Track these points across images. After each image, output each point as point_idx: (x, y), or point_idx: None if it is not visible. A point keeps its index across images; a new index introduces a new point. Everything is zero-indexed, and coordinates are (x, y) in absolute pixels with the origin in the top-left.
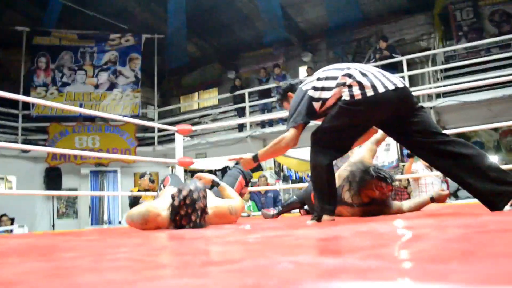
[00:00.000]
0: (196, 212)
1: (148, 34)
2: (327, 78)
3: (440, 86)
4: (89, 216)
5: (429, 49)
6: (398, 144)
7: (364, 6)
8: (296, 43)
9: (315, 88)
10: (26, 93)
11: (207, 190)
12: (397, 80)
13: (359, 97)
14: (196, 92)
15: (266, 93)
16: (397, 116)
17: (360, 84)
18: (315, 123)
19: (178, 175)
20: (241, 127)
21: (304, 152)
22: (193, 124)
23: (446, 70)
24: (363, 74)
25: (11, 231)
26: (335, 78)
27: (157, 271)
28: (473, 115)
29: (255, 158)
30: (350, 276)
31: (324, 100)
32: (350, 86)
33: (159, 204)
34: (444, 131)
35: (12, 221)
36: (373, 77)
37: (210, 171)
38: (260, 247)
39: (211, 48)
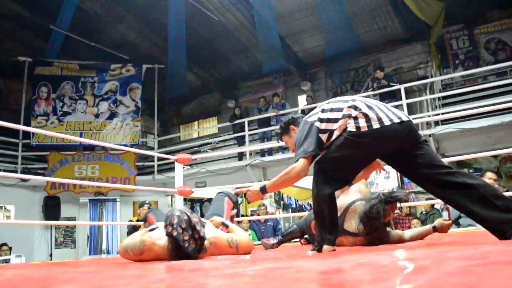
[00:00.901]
0: (196, 232)
1: (148, 64)
2: (332, 110)
3: (439, 114)
4: (88, 245)
5: (427, 77)
6: (398, 172)
7: (362, 36)
8: (295, 73)
9: (320, 120)
10: (27, 122)
11: (207, 221)
12: (401, 114)
13: (365, 129)
14: (196, 121)
15: (265, 122)
16: (402, 148)
17: (366, 116)
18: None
19: (158, 209)
20: (240, 156)
21: (304, 181)
22: (193, 153)
23: (444, 97)
24: (369, 107)
25: (8, 261)
26: (340, 109)
27: None
28: (472, 142)
29: (263, 189)
30: None
31: (331, 132)
32: (356, 118)
33: (154, 234)
34: (444, 159)
35: (11, 250)
36: (379, 110)
37: (210, 200)
38: (259, 281)
39: (211, 78)
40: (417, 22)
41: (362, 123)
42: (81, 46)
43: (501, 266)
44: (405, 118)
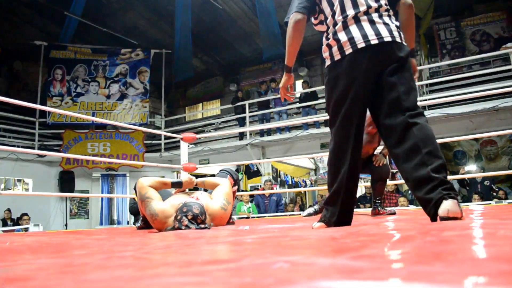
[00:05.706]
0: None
1: (156, 49)
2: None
3: (426, 100)
4: (100, 216)
5: None
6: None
7: None
8: None
9: None
10: (43, 102)
11: (205, 193)
12: (385, 32)
13: (338, 56)
14: (200, 103)
15: (265, 105)
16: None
17: (338, 42)
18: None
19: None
20: (241, 136)
21: (299, 160)
22: (197, 133)
23: (431, 84)
24: (344, 26)
25: (27, 229)
26: (331, 4)
27: (161, 269)
28: (456, 127)
29: (286, 68)
30: (341, 276)
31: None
32: (329, 46)
33: (168, 212)
34: None
35: (29, 220)
36: (354, 28)
37: (213, 175)
38: (257, 247)
39: (215, 63)
40: None
41: (335, 51)
42: (93, 31)
43: (479, 237)
44: (387, 39)
